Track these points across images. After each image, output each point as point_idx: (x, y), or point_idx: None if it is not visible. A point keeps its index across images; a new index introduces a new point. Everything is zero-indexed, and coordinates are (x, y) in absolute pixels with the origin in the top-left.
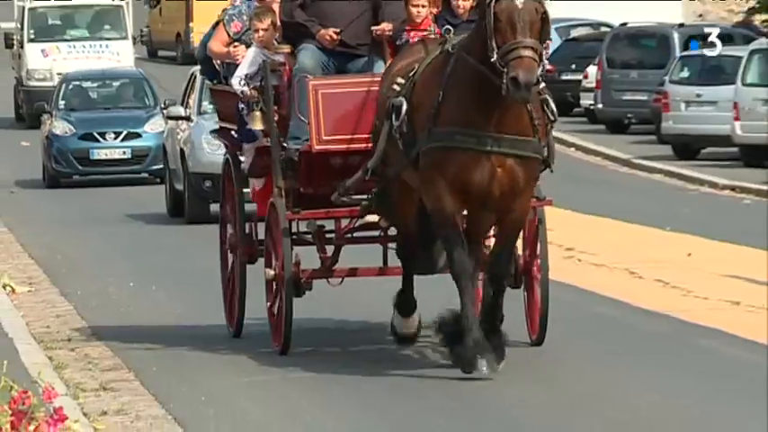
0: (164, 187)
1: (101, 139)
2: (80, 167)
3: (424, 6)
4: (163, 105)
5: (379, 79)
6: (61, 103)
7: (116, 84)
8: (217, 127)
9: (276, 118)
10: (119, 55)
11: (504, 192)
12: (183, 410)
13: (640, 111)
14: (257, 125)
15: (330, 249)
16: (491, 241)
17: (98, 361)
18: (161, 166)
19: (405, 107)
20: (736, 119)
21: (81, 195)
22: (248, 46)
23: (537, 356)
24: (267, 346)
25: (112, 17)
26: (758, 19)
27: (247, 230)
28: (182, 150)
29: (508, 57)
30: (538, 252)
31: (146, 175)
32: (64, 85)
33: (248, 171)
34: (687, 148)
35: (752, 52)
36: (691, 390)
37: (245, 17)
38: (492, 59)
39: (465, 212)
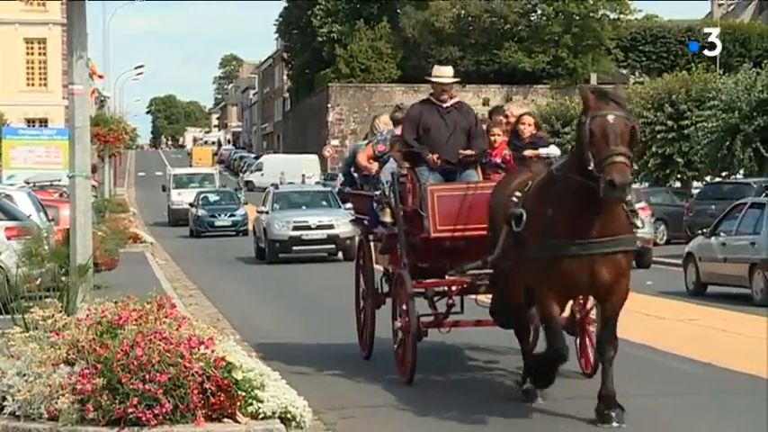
0: (251, 242)
1: (218, 216)
2: (209, 228)
3: (498, 135)
4: (243, 202)
5: (473, 186)
6: (199, 203)
7: (221, 195)
8: (352, 218)
9: (402, 213)
10: None
11: (606, 283)
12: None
13: None
14: (387, 218)
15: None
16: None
17: (187, 285)
18: (244, 228)
19: (524, 217)
20: None
21: (207, 242)
22: (382, 164)
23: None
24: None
25: (210, 178)
26: None
27: (375, 286)
28: (264, 228)
29: (603, 163)
30: (588, 307)
31: (235, 232)
32: (200, 196)
33: (381, 250)
34: None
35: None
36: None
37: (388, 143)
38: (589, 168)
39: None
